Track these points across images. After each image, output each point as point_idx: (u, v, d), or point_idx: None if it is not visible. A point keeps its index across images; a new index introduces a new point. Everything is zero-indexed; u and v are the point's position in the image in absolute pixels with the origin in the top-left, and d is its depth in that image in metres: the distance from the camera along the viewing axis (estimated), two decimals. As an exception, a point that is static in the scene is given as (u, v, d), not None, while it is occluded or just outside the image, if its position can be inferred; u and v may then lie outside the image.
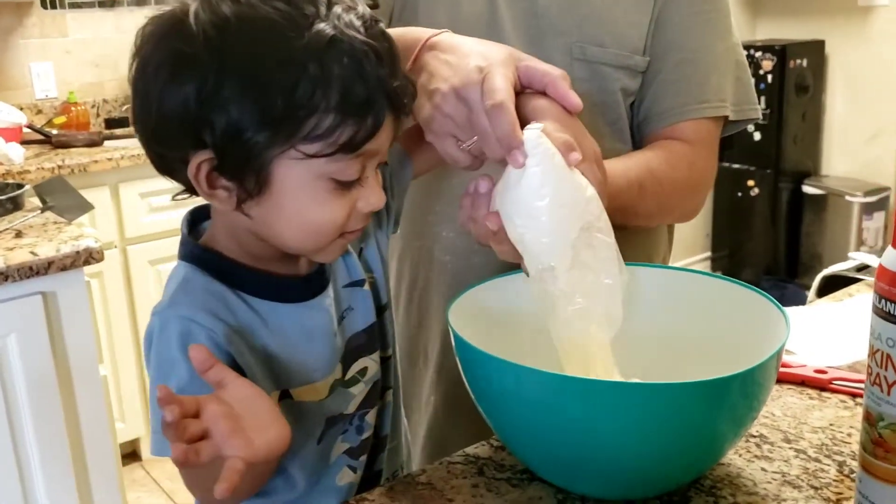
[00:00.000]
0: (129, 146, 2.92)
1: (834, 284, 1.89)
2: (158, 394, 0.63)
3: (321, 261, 0.84)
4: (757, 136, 4.18)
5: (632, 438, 0.73)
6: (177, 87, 0.72)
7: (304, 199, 0.76)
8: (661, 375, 0.79)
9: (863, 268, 2.12)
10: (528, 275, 0.84)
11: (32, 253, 1.68)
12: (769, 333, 0.81)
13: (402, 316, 1.23)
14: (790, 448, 0.89)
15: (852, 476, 0.83)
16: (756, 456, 0.87)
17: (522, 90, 0.88)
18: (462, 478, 0.85)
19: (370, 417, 0.92)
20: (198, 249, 0.82)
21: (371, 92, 0.73)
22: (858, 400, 0.98)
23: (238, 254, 0.82)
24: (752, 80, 1.21)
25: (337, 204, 0.77)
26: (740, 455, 0.87)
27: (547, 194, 0.79)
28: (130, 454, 3.02)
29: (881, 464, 0.70)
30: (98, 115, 3.41)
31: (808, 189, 4.25)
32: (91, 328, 1.82)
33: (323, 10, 0.73)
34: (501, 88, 0.82)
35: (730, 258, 4.52)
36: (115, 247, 2.82)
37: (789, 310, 0.87)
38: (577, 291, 0.83)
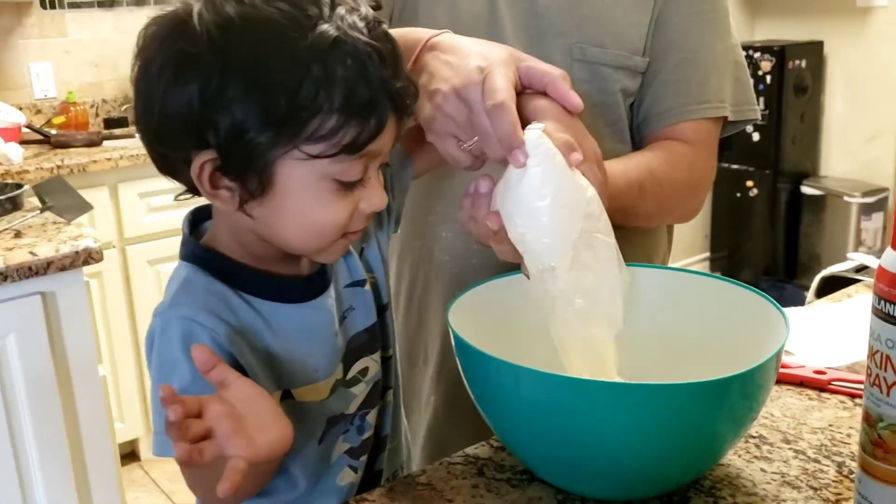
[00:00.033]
0: (129, 146, 2.92)
1: (833, 285, 1.89)
2: (161, 394, 0.63)
3: (323, 261, 0.84)
4: (756, 136, 4.18)
5: (631, 439, 0.73)
6: (180, 88, 0.72)
7: (307, 200, 0.76)
8: (660, 376, 0.79)
9: (861, 269, 2.12)
10: (527, 276, 0.84)
11: (31, 253, 1.68)
12: (768, 334, 0.81)
13: (402, 316, 1.23)
14: (789, 449, 0.89)
15: (851, 477, 0.83)
16: (755, 456, 0.87)
17: (523, 90, 0.88)
18: (462, 478, 0.85)
19: (371, 417, 0.92)
20: (199, 250, 0.82)
21: (374, 93, 0.73)
22: (858, 401, 0.98)
23: (240, 254, 0.82)
24: (751, 81, 1.21)
25: (339, 204, 0.77)
26: (740, 455, 0.88)
27: (548, 194, 0.79)
28: (129, 454, 3.02)
29: (880, 465, 0.70)
30: (97, 115, 3.41)
31: (806, 190, 4.25)
32: (90, 328, 1.82)
33: (326, 11, 0.73)
34: (502, 89, 0.83)
35: (728, 258, 4.53)
36: (114, 247, 2.82)
37: (788, 310, 0.87)
38: (578, 292, 0.83)
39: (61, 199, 1.92)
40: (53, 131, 3.08)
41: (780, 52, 4.07)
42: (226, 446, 0.65)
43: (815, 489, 0.81)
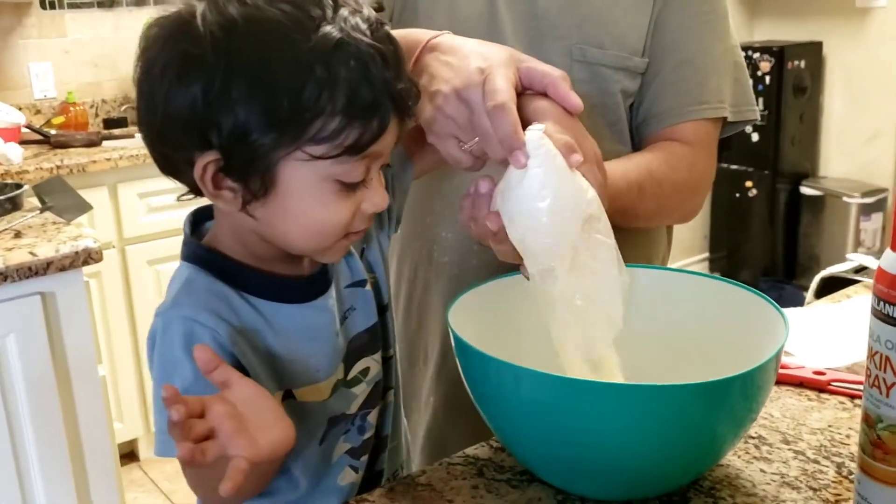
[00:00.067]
0: (128, 146, 2.92)
1: (832, 286, 1.90)
2: (164, 394, 0.63)
3: (325, 261, 0.85)
4: (755, 137, 4.18)
5: (631, 440, 0.73)
6: (184, 89, 0.72)
7: (310, 201, 0.76)
8: (660, 377, 0.79)
9: (861, 269, 2.13)
10: (527, 278, 0.84)
11: (31, 253, 1.68)
12: (768, 335, 0.82)
13: (402, 316, 1.23)
14: (789, 449, 0.89)
15: (851, 477, 0.83)
16: (755, 457, 0.88)
17: (523, 91, 0.88)
18: (462, 479, 0.85)
19: (372, 417, 0.92)
20: (201, 250, 0.83)
21: (377, 95, 0.73)
22: (857, 401, 0.98)
23: (241, 254, 0.82)
24: (751, 82, 1.21)
25: (342, 205, 0.77)
26: (739, 456, 0.88)
27: (548, 195, 0.79)
28: (128, 454, 3.02)
29: (880, 465, 0.70)
30: (97, 116, 3.41)
31: (805, 190, 4.25)
32: (90, 328, 1.81)
33: (329, 12, 0.73)
34: (503, 89, 0.83)
35: (728, 259, 4.53)
36: (114, 247, 2.82)
37: (788, 311, 0.87)
38: (577, 293, 0.83)
39: (61, 199, 1.92)
40: (53, 131, 3.08)
41: (780, 53, 4.07)
42: (228, 446, 0.65)
43: (814, 490, 0.82)
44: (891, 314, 0.68)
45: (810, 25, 4.26)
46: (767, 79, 4.09)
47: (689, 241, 4.53)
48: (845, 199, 4.09)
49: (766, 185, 4.25)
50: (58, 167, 2.68)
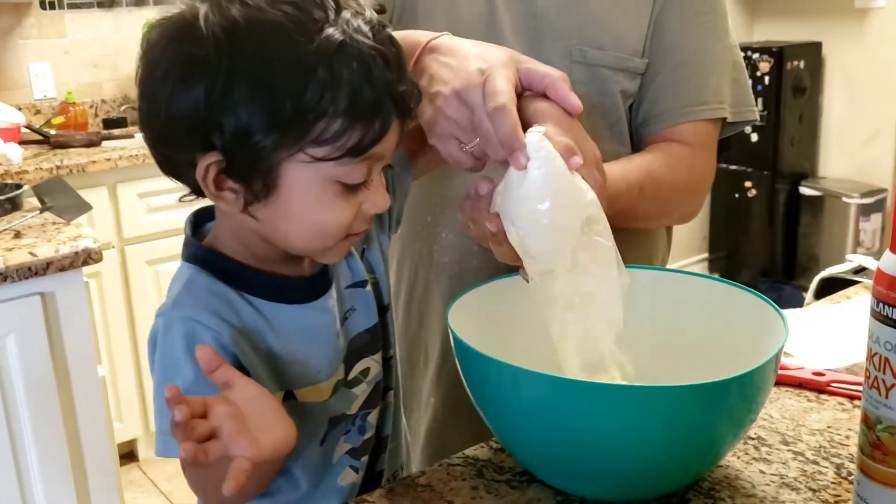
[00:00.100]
0: (128, 146, 2.92)
1: (831, 287, 1.90)
2: (167, 394, 0.63)
3: (326, 262, 0.85)
4: (754, 137, 4.19)
5: (631, 440, 0.74)
6: (186, 90, 0.72)
7: (311, 202, 0.76)
8: (659, 378, 0.79)
9: (860, 270, 2.13)
10: (526, 280, 0.84)
11: (31, 253, 1.68)
12: (767, 336, 0.82)
13: (402, 317, 1.23)
14: (788, 450, 0.89)
15: (850, 478, 0.83)
16: (754, 458, 0.88)
17: (522, 92, 0.88)
18: (461, 479, 0.85)
19: (372, 418, 0.93)
20: (202, 251, 0.83)
21: (379, 96, 0.74)
22: (856, 402, 0.98)
23: (242, 255, 0.82)
24: (750, 82, 1.21)
25: (343, 206, 0.77)
26: (738, 457, 0.88)
27: (547, 197, 0.79)
28: (127, 454, 3.02)
29: (879, 467, 0.70)
30: (96, 116, 3.41)
31: (805, 190, 4.26)
32: (90, 329, 1.82)
33: (332, 14, 0.73)
34: (503, 91, 0.83)
35: (727, 259, 4.53)
36: (113, 247, 2.82)
37: (787, 312, 0.87)
38: (577, 294, 0.83)
39: (61, 199, 1.92)
40: (53, 131, 3.08)
41: (779, 53, 4.08)
42: (230, 446, 0.65)
43: (813, 491, 0.82)
44: (890, 316, 0.68)
45: (810, 26, 4.27)
46: (767, 79, 4.10)
47: (688, 241, 4.53)
48: (844, 199, 4.09)
49: (765, 185, 4.26)
50: (57, 167, 2.68)
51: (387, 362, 0.95)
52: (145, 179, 2.82)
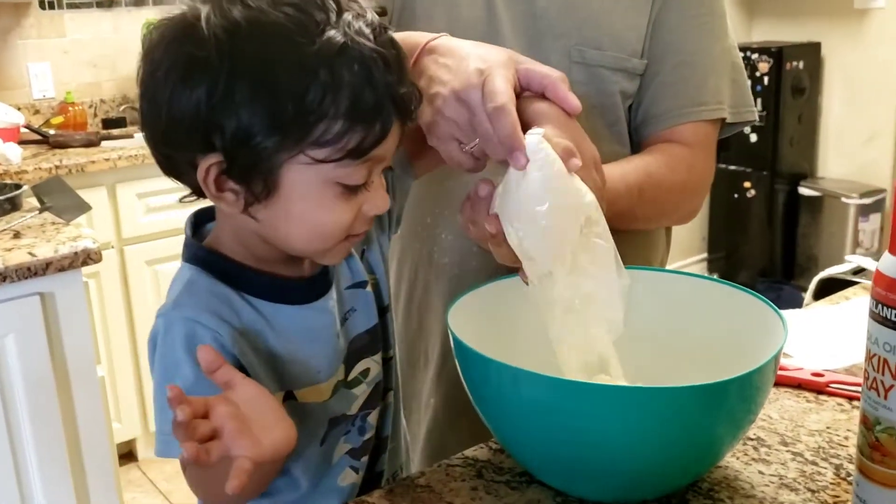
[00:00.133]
0: (127, 146, 2.92)
1: (830, 287, 1.90)
2: (169, 394, 0.63)
3: (326, 263, 0.85)
4: (753, 137, 4.19)
5: (630, 441, 0.74)
6: (188, 91, 0.72)
7: (312, 203, 0.76)
8: (658, 379, 0.79)
9: (859, 271, 2.13)
10: (526, 282, 0.84)
11: (30, 254, 1.68)
12: (767, 337, 0.82)
13: (402, 318, 1.23)
14: (787, 451, 0.89)
15: (849, 479, 0.83)
16: (753, 459, 0.88)
17: (521, 93, 0.88)
18: (461, 480, 0.85)
19: (372, 418, 0.93)
20: (202, 251, 0.83)
21: (380, 99, 0.74)
22: (855, 403, 0.98)
23: (243, 256, 0.82)
24: (749, 83, 1.22)
25: (343, 208, 0.77)
26: (738, 458, 0.88)
27: (546, 199, 0.79)
28: (126, 454, 3.02)
29: (878, 467, 0.71)
30: (95, 116, 3.41)
31: (804, 191, 4.26)
32: (89, 329, 1.82)
33: (333, 16, 0.73)
34: (502, 91, 0.83)
35: (726, 260, 4.53)
36: (112, 247, 2.82)
37: (786, 313, 0.87)
38: (576, 296, 0.83)
39: (60, 199, 1.92)
40: (52, 131, 3.08)
41: (778, 54, 4.08)
42: (231, 447, 0.65)
43: (812, 491, 0.82)
44: (889, 317, 0.68)
45: (809, 26, 4.27)
46: (766, 79, 4.10)
47: (687, 241, 4.53)
48: (843, 199, 4.09)
49: (764, 185, 4.26)
50: (56, 167, 2.68)
51: (387, 363, 0.95)
52: (144, 179, 2.82)
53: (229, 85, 0.71)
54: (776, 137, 4.17)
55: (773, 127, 4.15)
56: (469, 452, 0.90)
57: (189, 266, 0.82)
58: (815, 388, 1.02)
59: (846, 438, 0.91)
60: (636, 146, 1.17)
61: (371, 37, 0.74)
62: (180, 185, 0.81)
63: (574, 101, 0.87)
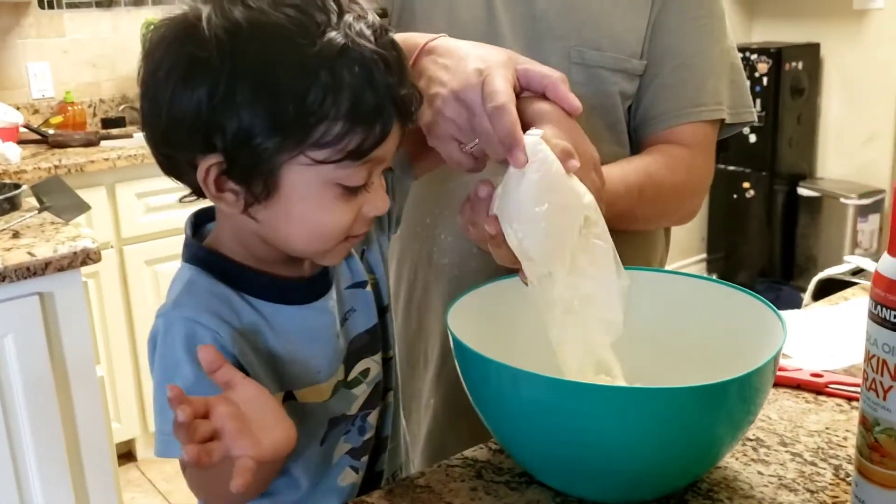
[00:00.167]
0: (126, 146, 2.92)
1: (829, 288, 1.90)
2: (169, 394, 0.64)
3: (326, 264, 0.85)
4: (752, 138, 4.19)
5: (629, 442, 0.74)
6: (188, 91, 0.72)
7: (312, 204, 0.76)
8: (658, 379, 0.79)
9: (858, 271, 2.13)
10: (525, 283, 0.84)
11: (30, 253, 1.68)
12: (766, 337, 0.82)
13: (402, 319, 1.23)
14: (786, 452, 0.89)
15: (848, 480, 0.83)
16: (752, 459, 0.88)
17: (521, 93, 0.88)
18: (461, 481, 0.85)
19: (372, 418, 0.93)
20: (202, 252, 0.83)
21: (380, 100, 0.74)
22: (854, 403, 0.99)
23: (242, 256, 0.82)
24: (748, 83, 1.22)
25: (343, 209, 0.77)
26: (737, 458, 0.88)
27: (545, 201, 0.79)
28: (126, 454, 3.02)
29: (877, 468, 0.71)
30: (95, 115, 3.41)
31: (803, 191, 4.26)
32: (88, 329, 1.82)
33: (334, 18, 0.73)
34: (502, 90, 0.83)
35: (725, 260, 4.54)
36: (112, 247, 2.82)
37: (785, 313, 0.87)
38: (576, 296, 0.83)
39: (59, 199, 1.92)
40: (51, 131, 3.08)
41: (777, 54, 4.08)
42: (232, 447, 0.65)
43: (811, 492, 0.82)
44: (888, 318, 0.68)
45: (808, 27, 4.27)
46: (765, 80, 4.10)
47: (686, 242, 4.54)
48: (842, 200, 4.10)
49: (763, 186, 4.26)
50: (56, 167, 2.68)
51: (386, 363, 0.95)
52: (144, 179, 2.82)
53: (230, 86, 0.71)
54: (775, 138, 4.17)
55: (773, 127, 4.15)
56: (469, 453, 0.91)
57: (189, 266, 0.82)
58: (815, 388, 1.02)
59: (845, 439, 0.91)
60: (636, 147, 1.17)
61: (372, 38, 0.74)
62: (180, 184, 0.81)
63: (574, 101, 0.87)
